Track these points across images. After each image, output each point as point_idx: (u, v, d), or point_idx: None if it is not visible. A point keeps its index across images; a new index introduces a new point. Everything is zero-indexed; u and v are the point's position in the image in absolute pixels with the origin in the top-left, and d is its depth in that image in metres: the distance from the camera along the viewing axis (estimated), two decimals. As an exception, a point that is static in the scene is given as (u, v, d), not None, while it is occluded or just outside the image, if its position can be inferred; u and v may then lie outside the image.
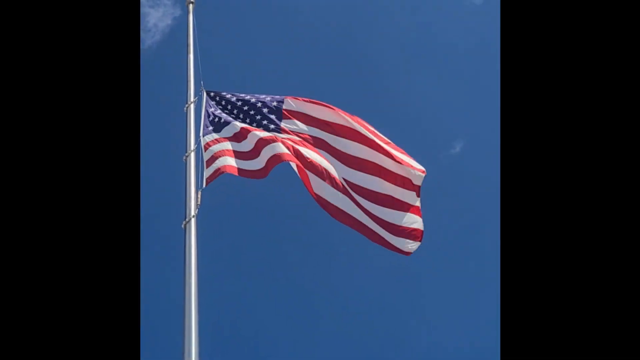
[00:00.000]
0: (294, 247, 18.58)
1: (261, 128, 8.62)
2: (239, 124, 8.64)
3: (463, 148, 19.24)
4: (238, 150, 8.40)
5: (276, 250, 18.31)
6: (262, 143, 8.30)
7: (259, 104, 8.92)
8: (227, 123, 8.74)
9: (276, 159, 8.10)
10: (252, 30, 21.32)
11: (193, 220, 7.20)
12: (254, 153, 8.34)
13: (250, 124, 8.72)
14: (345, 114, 8.62)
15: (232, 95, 9.15)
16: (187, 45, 9.51)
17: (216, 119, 8.80)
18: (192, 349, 5.91)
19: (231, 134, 8.58)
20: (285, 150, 8.14)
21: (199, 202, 7.47)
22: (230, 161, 8.24)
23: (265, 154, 8.22)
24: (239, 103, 9.02)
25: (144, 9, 19.94)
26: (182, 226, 7.18)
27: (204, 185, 7.85)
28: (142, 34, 19.48)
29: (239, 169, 8.24)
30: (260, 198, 18.07)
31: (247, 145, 8.43)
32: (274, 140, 8.26)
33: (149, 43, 19.82)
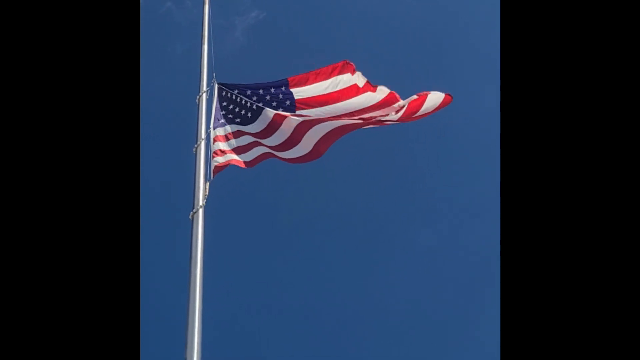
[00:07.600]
0: (301, 243, 18.60)
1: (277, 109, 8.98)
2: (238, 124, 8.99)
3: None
4: (238, 145, 8.82)
5: (283, 245, 18.33)
6: (254, 143, 8.88)
7: (268, 97, 9.01)
8: (234, 118, 8.90)
9: (260, 157, 8.88)
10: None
11: (201, 211, 7.22)
12: (250, 146, 8.88)
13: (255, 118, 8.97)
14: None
15: (244, 87, 9.19)
16: (202, 36, 9.53)
17: (224, 112, 8.90)
18: (195, 342, 5.90)
19: (234, 130, 8.90)
20: (267, 150, 8.85)
21: (206, 193, 7.49)
22: (235, 156, 8.64)
23: (257, 150, 8.88)
24: (247, 97, 9.09)
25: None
26: (190, 217, 7.19)
27: (211, 177, 7.91)
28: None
29: (245, 162, 8.70)
30: (268, 192, 18.10)
31: (245, 140, 8.92)
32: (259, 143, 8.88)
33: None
